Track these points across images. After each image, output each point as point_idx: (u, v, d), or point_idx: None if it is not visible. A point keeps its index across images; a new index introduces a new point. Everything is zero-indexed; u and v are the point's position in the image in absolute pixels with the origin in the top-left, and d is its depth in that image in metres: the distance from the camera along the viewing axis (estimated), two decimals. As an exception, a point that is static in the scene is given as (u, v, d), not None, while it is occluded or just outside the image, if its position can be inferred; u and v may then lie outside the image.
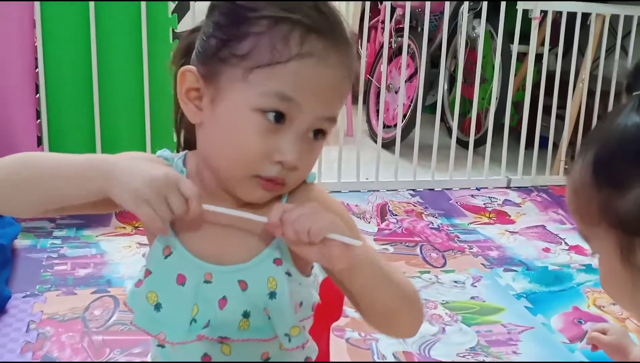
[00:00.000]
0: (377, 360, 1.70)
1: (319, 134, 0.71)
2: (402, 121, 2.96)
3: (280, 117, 0.67)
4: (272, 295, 0.74)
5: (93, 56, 2.29)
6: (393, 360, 1.71)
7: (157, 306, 0.74)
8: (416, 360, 1.71)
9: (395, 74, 3.19)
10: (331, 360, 1.11)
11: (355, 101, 2.97)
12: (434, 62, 3.14)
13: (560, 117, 3.01)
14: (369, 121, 3.42)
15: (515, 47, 2.84)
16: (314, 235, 0.66)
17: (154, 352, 0.83)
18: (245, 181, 0.70)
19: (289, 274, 0.75)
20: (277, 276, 0.74)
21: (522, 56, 3.10)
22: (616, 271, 0.62)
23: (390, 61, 3.12)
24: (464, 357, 1.74)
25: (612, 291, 0.66)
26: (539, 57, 2.98)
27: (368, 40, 3.65)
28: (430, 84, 3.28)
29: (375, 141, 2.89)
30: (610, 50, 3.10)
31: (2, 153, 2.60)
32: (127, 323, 1.78)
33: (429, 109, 3.40)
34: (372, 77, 3.38)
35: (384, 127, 3.13)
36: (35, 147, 2.34)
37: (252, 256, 0.74)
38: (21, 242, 2.13)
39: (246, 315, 0.74)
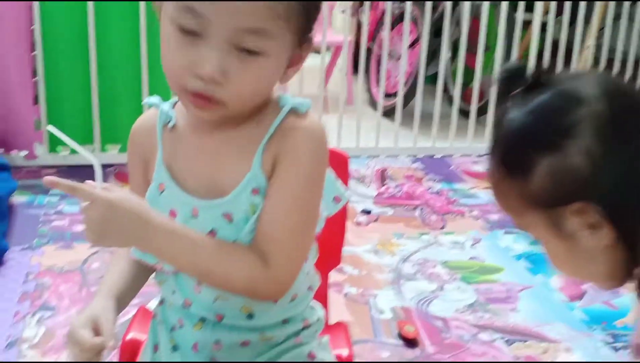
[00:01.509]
0: (376, 317, 1.70)
1: (251, 52, 0.67)
2: (404, 88, 2.93)
3: (192, 31, 0.66)
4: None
5: (90, 11, 2.26)
6: (391, 315, 1.70)
7: None
8: (414, 316, 1.70)
9: (397, 41, 3.16)
10: (329, 313, 1.10)
11: (355, 70, 2.94)
12: (436, 32, 3.10)
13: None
14: (369, 90, 3.39)
15: (519, 16, 2.80)
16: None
17: (161, 275, 0.83)
18: (180, 96, 0.72)
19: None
20: (257, 202, 0.74)
21: (526, 25, 3.06)
22: (558, 248, 0.66)
23: (392, 27, 3.09)
24: (462, 312, 1.73)
25: (565, 269, 0.69)
26: (543, 26, 2.94)
27: (370, 8, 3.61)
28: (432, 54, 3.24)
29: (376, 109, 2.87)
30: (616, 18, 3.06)
31: (0, 113, 2.55)
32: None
33: (430, 79, 3.37)
34: (374, 45, 3.35)
35: (384, 96, 3.10)
36: (32, 105, 2.32)
37: (232, 189, 0.74)
38: (18, 199, 2.12)
39: (236, 240, 0.75)
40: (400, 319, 1.68)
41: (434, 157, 2.83)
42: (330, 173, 0.79)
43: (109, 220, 0.68)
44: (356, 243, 2.04)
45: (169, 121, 0.78)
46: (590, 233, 0.63)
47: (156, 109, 0.80)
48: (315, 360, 0.84)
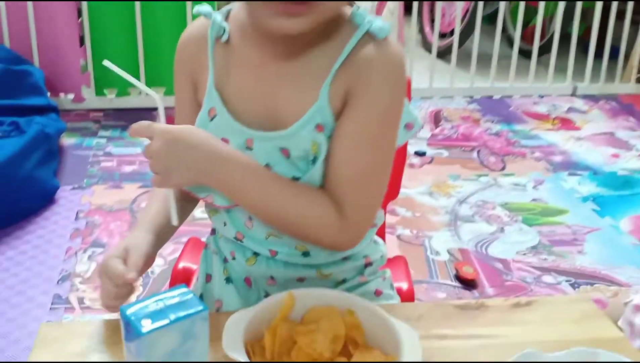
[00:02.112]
0: (432, 258, 1.62)
1: None
2: (461, 24, 2.76)
3: None
4: (315, 160, 0.66)
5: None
6: (448, 257, 1.62)
7: None
8: (472, 258, 1.62)
9: (452, -24, 2.97)
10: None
11: (407, 11, 2.78)
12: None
13: (635, 23, 2.75)
14: (421, 30, 3.23)
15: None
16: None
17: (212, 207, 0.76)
18: (268, 19, 0.61)
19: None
20: (320, 141, 0.65)
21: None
22: None
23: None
24: (524, 254, 1.63)
25: None
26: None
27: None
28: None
29: (429, 51, 2.72)
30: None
31: (47, 55, 2.55)
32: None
33: (486, 19, 3.17)
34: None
35: (439, 36, 2.94)
36: (78, 47, 2.29)
37: (293, 122, 0.65)
38: (67, 140, 2.12)
39: (295, 179, 0.67)
40: (457, 261, 1.60)
41: (492, 98, 2.67)
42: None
43: (175, 154, 0.62)
44: (409, 185, 1.95)
45: (222, 35, 0.68)
46: None
47: (207, 19, 0.70)
48: (382, 297, 0.77)
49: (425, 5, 3.23)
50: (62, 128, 1.99)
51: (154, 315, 0.50)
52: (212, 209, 0.75)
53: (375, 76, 0.64)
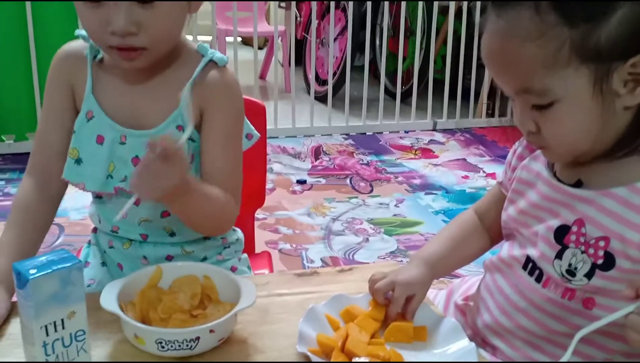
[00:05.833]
0: (307, 265, 1.88)
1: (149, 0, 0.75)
2: (335, 74, 3.13)
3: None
4: None
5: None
6: (321, 264, 1.89)
7: (78, 161, 0.87)
8: (341, 263, 1.89)
9: (328, 30, 3.36)
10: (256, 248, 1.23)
11: (298, 62, 3.12)
12: (363, 22, 3.31)
13: (482, 67, 3.24)
14: (305, 77, 3.58)
15: (436, 3, 3.04)
16: None
17: (94, 207, 0.95)
18: (108, 53, 0.81)
19: (192, 140, 0.87)
20: (180, 140, 0.85)
21: (445, 10, 3.31)
22: (584, 107, 0.61)
23: (323, 17, 3.29)
24: (384, 258, 1.93)
25: (576, 132, 0.63)
26: (462, 12, 3.19)
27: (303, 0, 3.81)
28: (359, 46, 3.42)
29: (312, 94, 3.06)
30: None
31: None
32: (72, 244, 1.90)
33: (360, 68, 3.58)
34: (308, 35, 3.54)
35: (319, 82, 3.30)
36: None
37: (159, 123, 0.85)
38: (-34, 183, 2.21)
39: None
40: (327, 266, 1.87)
41: (366, 134, 3.04)
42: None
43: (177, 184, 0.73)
44: (291, 208, 2.22)
45: (97, 55, 0.88)
46: (633, 88, 0.60)
47: (84, 42, 0.88)
48: (237, 272, 0.98)
49: (307, 53, 3.60)
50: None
51: (39, 267, 0.68)
52: (90, 214, 0.94)
53: (222, 98, 0.86)
